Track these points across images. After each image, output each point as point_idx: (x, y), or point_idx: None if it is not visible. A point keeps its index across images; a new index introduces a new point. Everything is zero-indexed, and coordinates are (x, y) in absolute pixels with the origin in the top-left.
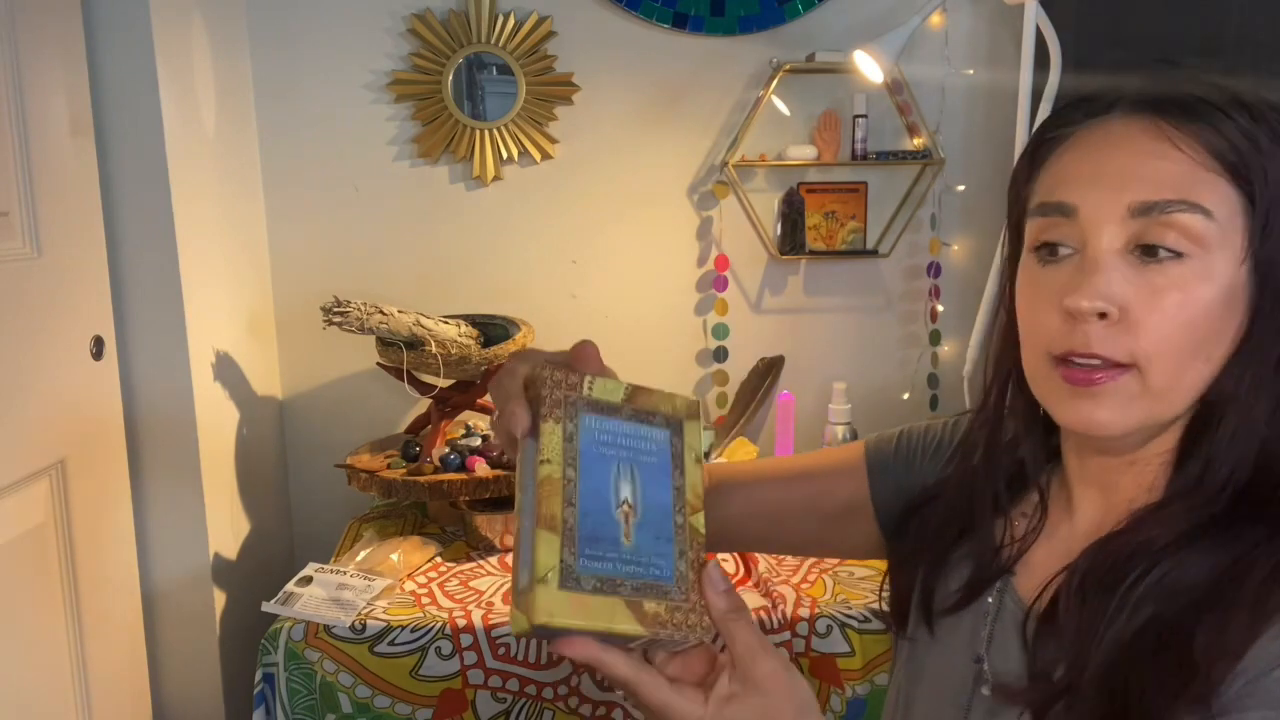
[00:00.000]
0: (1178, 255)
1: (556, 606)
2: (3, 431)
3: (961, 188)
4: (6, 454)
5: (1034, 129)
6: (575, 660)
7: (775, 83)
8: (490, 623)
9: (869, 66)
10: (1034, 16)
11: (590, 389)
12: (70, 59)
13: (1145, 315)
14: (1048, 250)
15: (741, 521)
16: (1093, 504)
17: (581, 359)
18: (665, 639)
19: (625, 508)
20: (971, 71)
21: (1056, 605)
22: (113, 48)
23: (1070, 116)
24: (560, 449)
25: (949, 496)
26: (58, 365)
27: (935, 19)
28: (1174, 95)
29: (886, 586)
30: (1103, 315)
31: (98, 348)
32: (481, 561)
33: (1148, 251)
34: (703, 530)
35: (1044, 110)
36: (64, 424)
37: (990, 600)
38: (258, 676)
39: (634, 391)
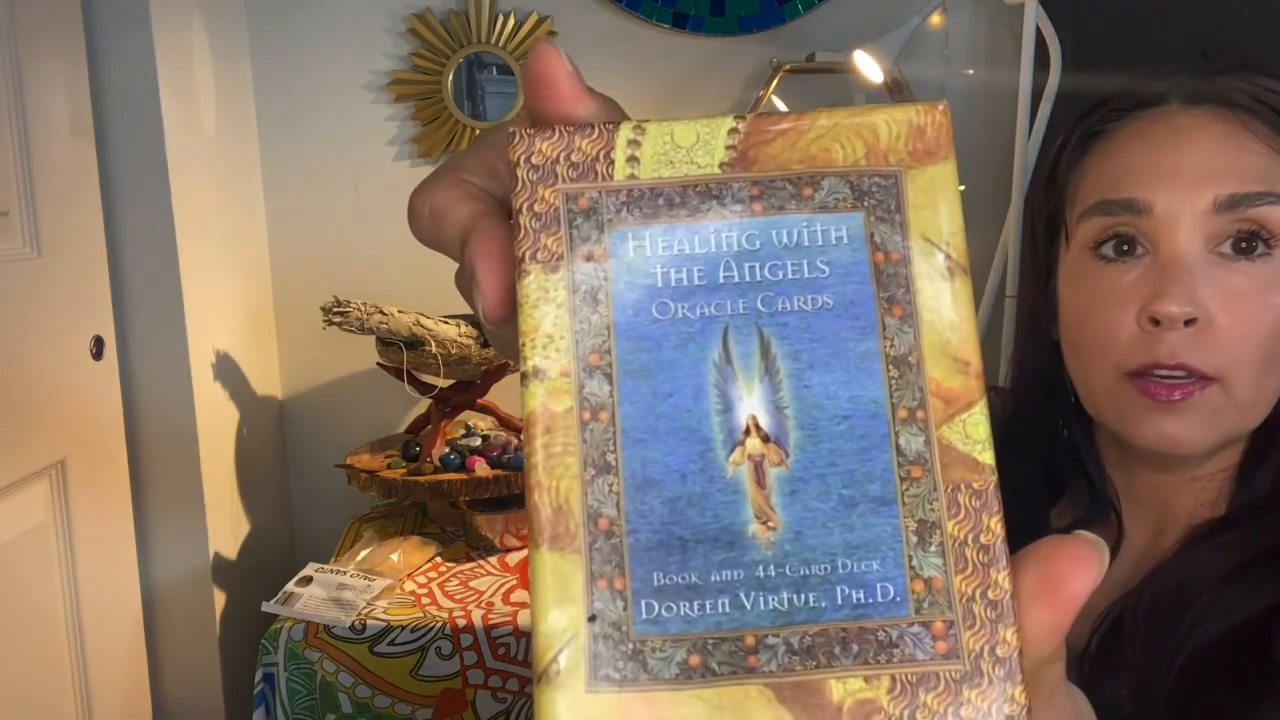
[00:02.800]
0: (1266, 252)
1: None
2: (3, 431)
3: (961, 188)
4: (6, 454)
5: (1077, 121)
6: None
7: (775, 83)
8: (490, 623)
9: (869, 66)
10: (1034, 16)
11: (631, 152)
12: (70, 59)
13: (1230, 321)
14: (1113, 247)
15: None
16: (1143, 524)
17: (558, 92)
18: None
19: (750, 445)
20: (971, 71)
21: (1113, 636)
22: (113, 48)
23: (1115, 109)
24: (566, 336)
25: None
26: (58, 365)
27: (935, 19)
28: (1235, 86)
29: None
30: (1189, 321)
31: (98, 348)
32: (481, 561)
33: (1238, 248)
34: (988, 459)
35: (1044, 110)
36: (64, 424)
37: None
38: (258, 676)
39: (750, 133)
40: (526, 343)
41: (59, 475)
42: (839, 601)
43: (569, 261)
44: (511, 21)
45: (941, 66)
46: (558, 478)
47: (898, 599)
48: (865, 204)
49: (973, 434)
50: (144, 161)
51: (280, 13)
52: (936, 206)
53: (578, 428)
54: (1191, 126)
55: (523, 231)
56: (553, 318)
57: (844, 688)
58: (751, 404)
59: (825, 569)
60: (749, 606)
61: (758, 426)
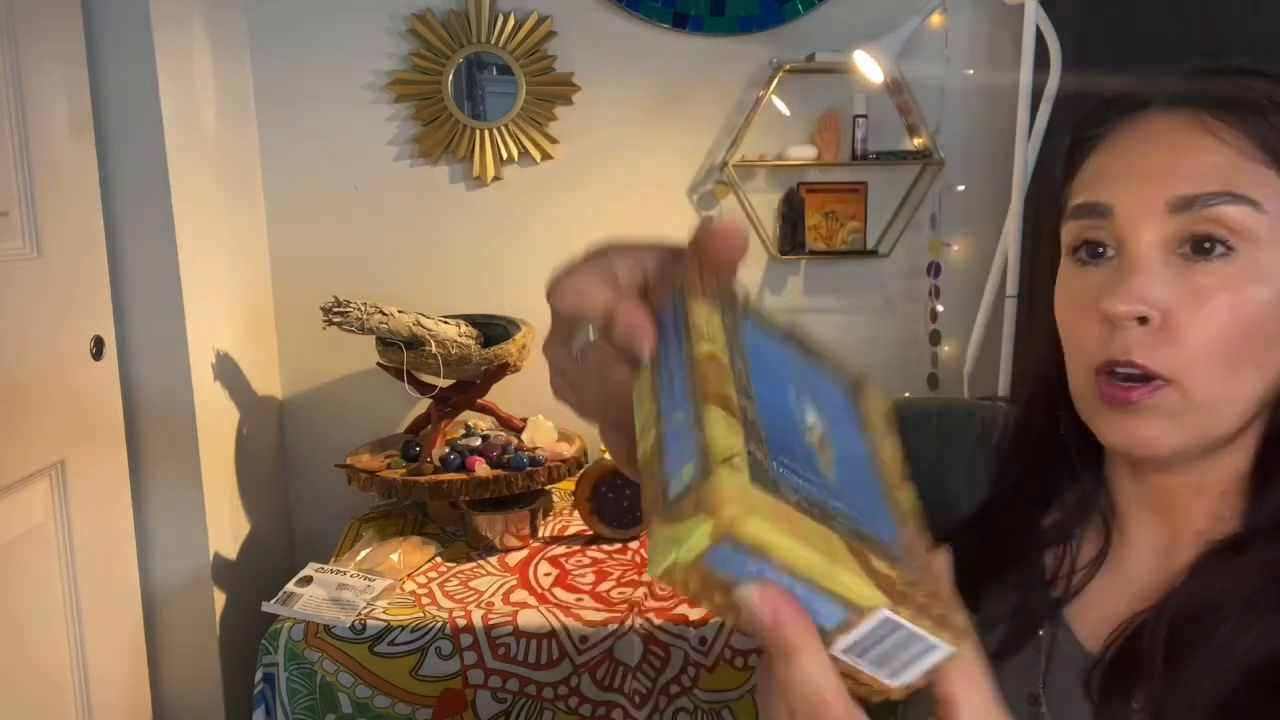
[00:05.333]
0: (1226, 252)
1: (758, 503)
2: (3, 431)
3: (961, 188)
4: (6, 454)
5: (1074, 127)
6: (765, 622)
7: (775, 83)
8: (490, 623)
9: (869, 66)
10: (1034, 16)
11: (747, 301)
12: (70, 59)
13: (1189, 320)
14: (1086, 251)
15: None
16: (1154, 532)
17: (722, 250)
18: (895, 632)
19: (815, 435)
20: (971, 71)
21: (1127, 657)
22: (113, 48)
23: (1104, 115)
24: (722, 333)
25: (988, 523)
26: (58, 365)
27: (935, 19)
28: (1213, 86)
29: None
30: (1143, 320)
31: (98, 348)
32: (481, 561)
33: (1195, 249)
34: (917, 507)
35: (1044, 110)
36: (64, 424)
37: (1042, 634)
38: (258, 676)
39: (794, 329)
40: (696, 327)
41: (59, 475)
42: (867, 523)
43: (720, 309)
44: (511, 21)
45: (941, 66)
46: (721, 384)
47: (893, 536)
48: (843, 383)
49: (907, 498)
50: (144, 161)
51: (280, 13)
52: (879, 402)
53: (731, 373)
54: (1162, 129)
55: (693, 288)
56: (714, 322)
57: (878, 562)
58: (812, 418)
59: (857, 505)
60: (826, 498)
61: (817, 430)
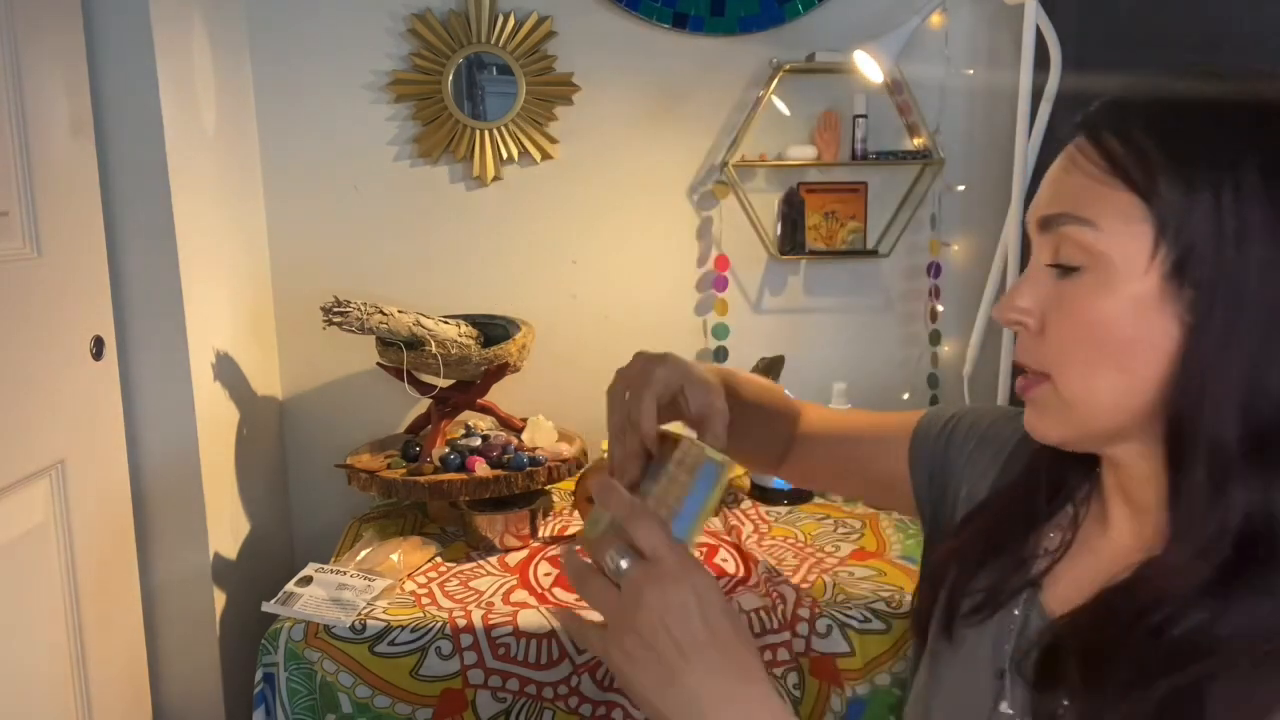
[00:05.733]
0: (1076, 266)
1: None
2: (3, 431)
3: (961, 188)
4: (6, 454)
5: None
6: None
7: (775, 83)
8: (490, 623)
9: (869, 66)
10: (1034, 16)
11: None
12: (70, 59)
13: (1053, 325)
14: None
15: (808, 474)
16: (1126, 519)
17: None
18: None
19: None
20: (971, 71)
21: (1057, 648)
22: (113, 48)
23: (1070, 133)
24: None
25: (991, 507)
26: (58, 365)
27: (935, 19)
28: (1094, 113)
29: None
30: (1020, 325)
31: (98, 348)
32: (481, 561)
33: (1055, 263)
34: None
35: (1044, 110)
36: (64, 424)
37: (1016, 613)
38: (258, 676)
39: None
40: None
41: (59, 475)
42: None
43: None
44: (511, 21)
45: (941, 66)
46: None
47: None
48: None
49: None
50: (144, 161)
51: (280, 13)
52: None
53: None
54: (1068, 153)
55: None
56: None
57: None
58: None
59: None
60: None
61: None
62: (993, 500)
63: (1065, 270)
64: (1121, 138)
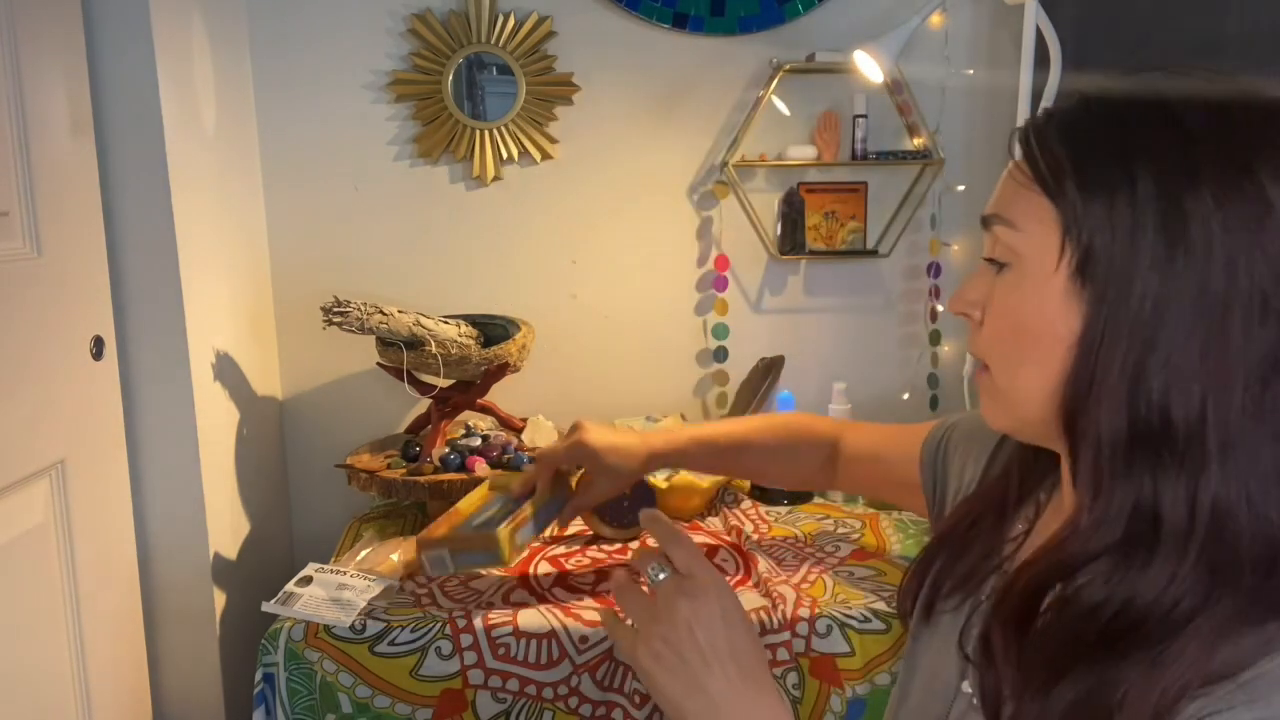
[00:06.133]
0: (1004, 264)
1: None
2: (3, 431)
3: (961, 188)
4: (6, 454)
5: None
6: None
7: (775, 83)
8: (490, 623)
9: (869, 66)
10: (1034, 16)
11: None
12: (70, 59)
13: (987, 319)
14: None
15: (857, 488)
16: (1076, 508)
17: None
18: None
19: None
20: (971, 71)
21: (987, 625)
22: (113, 48)
23: None
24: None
25: (972, 498)
26: (58, 365)
27: (935, 19)
28: (1029, 120)
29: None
30: (967, 317)
31: (98, 348)
32: None
33: (991, 260)
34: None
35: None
36: (64, 424)
37: (984, 598)
38: (258, 676)
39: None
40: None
41: (59, 475)
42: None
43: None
44: (511, 21)
45: (941, 66)
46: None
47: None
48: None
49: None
50: (144, 161)
51: (280, 13)
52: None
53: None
54: (1011, 161)
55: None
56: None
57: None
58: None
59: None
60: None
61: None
62: (975, 492)
63: (999, 266)
64: (1041, 146)
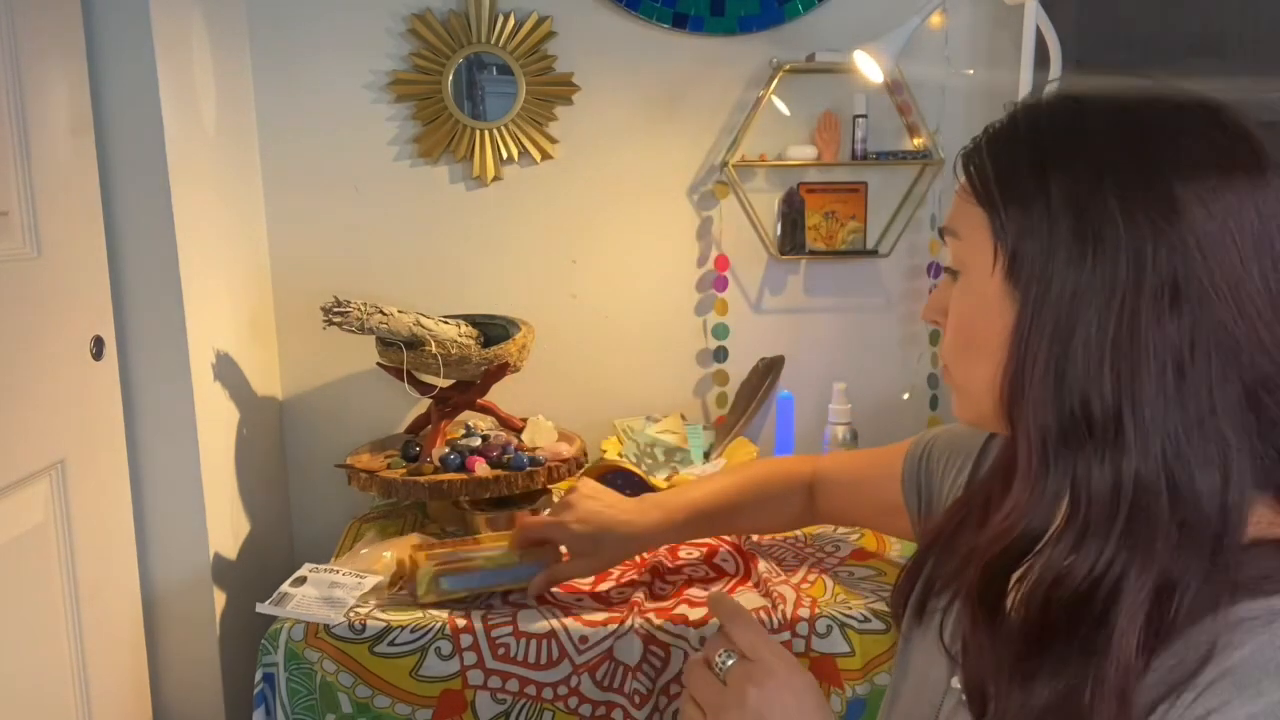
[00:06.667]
0: (955, 272)
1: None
2: (3, 431)
3: None
4: (6, 454)
5: None
6: None
7: (775, 83)
8: (490, 623)
9: (869, 66)
10: (1034, 16)
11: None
12: (70, 59)
13: (945, 324)
14: None
15: (835, 519)
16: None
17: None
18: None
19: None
20: (971, 71)
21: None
22: (113, 47)
23: None
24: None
25: (962, 498)
26: (58, 365)
27: (935, 19)
28: (973, 139)
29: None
30: (935, 324)
31: (98, 348)
32: None
33: (947, 268)
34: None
35: None
36: (64, 424)
37: None
38: (258, 677)
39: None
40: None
41: (59, 475)
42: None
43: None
44: (511, 21)
45: (941, 66)
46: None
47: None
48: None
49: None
50: (144, 161)
51: (281, 13)
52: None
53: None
54: None
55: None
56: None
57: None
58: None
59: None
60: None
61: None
62: (963, 494)
63: (953, 274)
64: (977, 161)
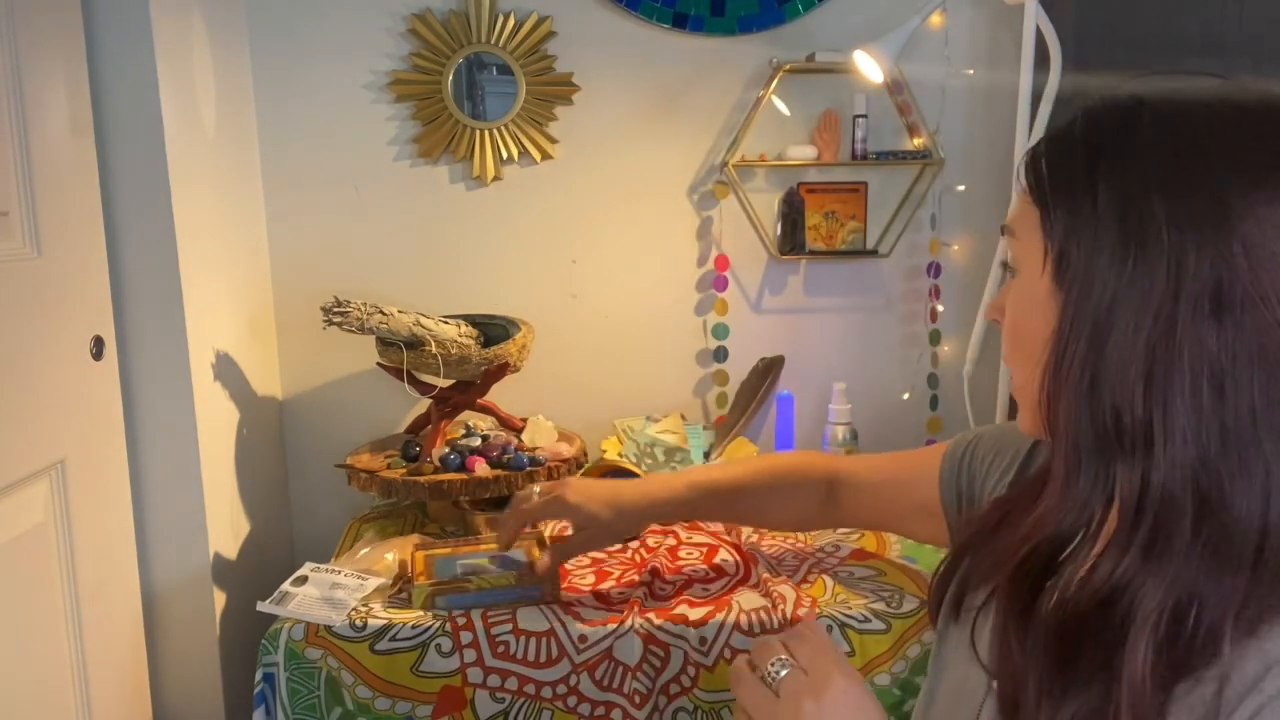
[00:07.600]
0: (1013, 271)
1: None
2: (3, 431)
3: (961, 188)
4: (6, 454)
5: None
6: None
7: (775, 83)
8: (489, 621)
9: (869, 66)
10: (1034, 16)
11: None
12: (70, 59)
13: (1004, 323)
14: None
15: (858, 522)
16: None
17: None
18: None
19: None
20: (971, 71)
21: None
22: (113, 48)
23: None
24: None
25: (1006, 498)
26: (58, 365)
27: (935, 19)
28: (1034, 150)
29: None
30: (997, 323)
31: (98, 348)
32: None
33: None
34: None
35: (1044, 110)
36: (64, 424)
37: None
38: (258, 676)
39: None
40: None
41: (59, 475)
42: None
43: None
44: (511, 21)
45: (941, 66)
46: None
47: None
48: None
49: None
50: (144, 161)
51: (280, 13)
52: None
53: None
54: None
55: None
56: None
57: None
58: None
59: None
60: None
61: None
62: (1008, 492)
63: (1012, 273)
64: (1035, 163)
